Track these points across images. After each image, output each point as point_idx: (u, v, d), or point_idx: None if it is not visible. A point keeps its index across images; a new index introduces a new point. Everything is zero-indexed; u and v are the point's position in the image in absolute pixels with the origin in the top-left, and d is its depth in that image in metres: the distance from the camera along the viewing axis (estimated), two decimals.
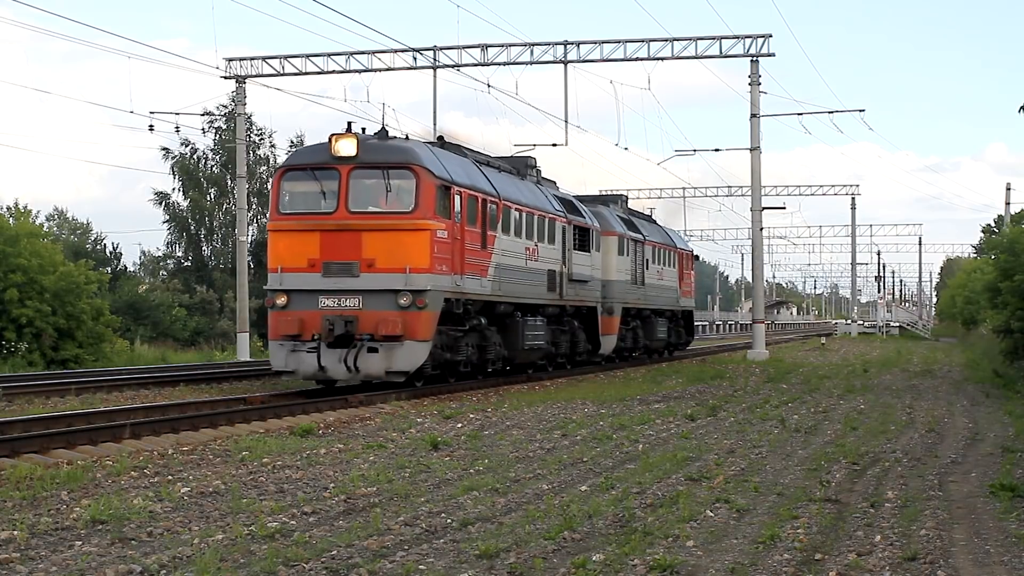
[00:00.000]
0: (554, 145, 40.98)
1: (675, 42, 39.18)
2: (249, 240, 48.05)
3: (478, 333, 23.73)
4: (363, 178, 21.18)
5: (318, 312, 20.49)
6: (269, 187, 37.83)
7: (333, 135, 21.21)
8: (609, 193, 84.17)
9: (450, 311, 21.73)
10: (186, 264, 61.94)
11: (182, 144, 59.01)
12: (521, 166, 28.90)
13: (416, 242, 20.75)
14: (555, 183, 31.73)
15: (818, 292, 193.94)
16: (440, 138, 25.60)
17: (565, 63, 39.29)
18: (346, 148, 21.00)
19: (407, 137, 23.20)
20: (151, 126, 37.65)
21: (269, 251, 21.68)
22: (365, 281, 20.54)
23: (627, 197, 40.64)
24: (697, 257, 47.20)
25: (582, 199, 33.97)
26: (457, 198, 22.03)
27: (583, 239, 30.08)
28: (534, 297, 26.34)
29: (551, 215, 27.86)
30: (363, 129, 22.18)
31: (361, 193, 21.18)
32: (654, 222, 42.62)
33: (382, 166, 21.07)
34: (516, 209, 25.33)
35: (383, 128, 22.40)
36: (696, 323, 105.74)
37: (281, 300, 20.88)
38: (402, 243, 20.73)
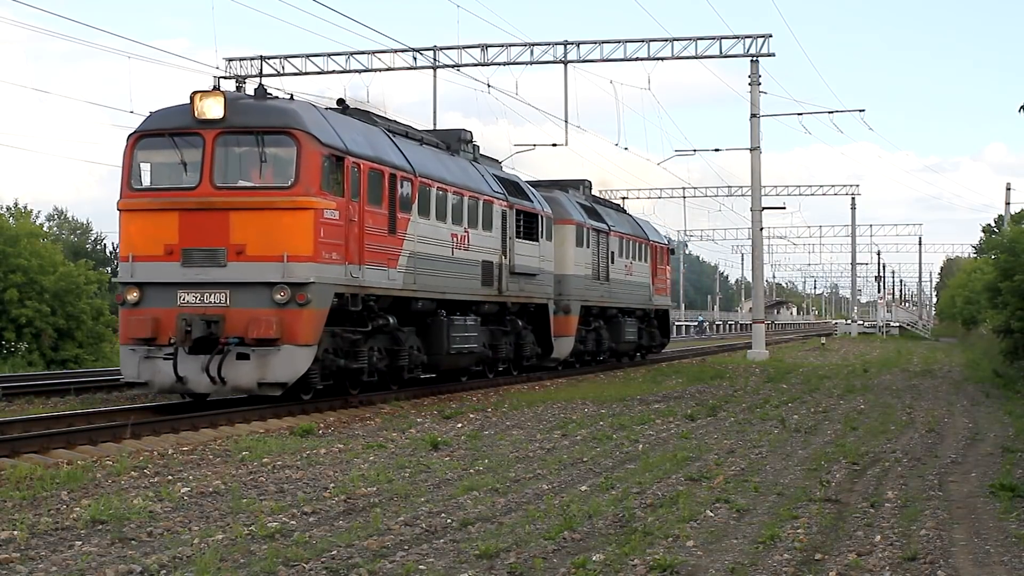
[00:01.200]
0: (554, 145, 41.04)
1: (675, 42, 39.23)
2: None
3: (387, 335, 20.14)
4: (232, 145, 17.61)
5: (175, 310, 17.07)
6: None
7: (196, 92, 17.61)
8: (605, 193, 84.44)
9: (344, 309, 18.26)
10: None
11: None
12: (452, 140, 24.86)
13: (296, 224, 17.18)
14: (498, 162, 27.88)
15: (818, 292, 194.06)
16: (341, 101, 21.35)
17: (565, 63, 39.33)
18: (211, 109, 17.39)
19: (292, 97, 18.99)
20: None
21: (120, 236, 18.18)
22: (233, 272, 17.10)
23: (590, 183, 35.17)
24: (672, 251, 43.24)
25: (537, 184, 31.26)
26: (354, 171, 18.38)
27: (530, 226, 26.57)
28: (463, 292, 22.73)
29: (487, 197, 24.14)
30: (239, 86, 18.79)
31: (229, 164, 17.63)
32: (623, 211, 38.90)
33: (256, 130, 17.40)
34: (439, 188, 21.64)
35: (260, 85, 18.61)
36: (685, 323, 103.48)
37: (132, 296, 17.41)
38: (279, 225, 17.18)
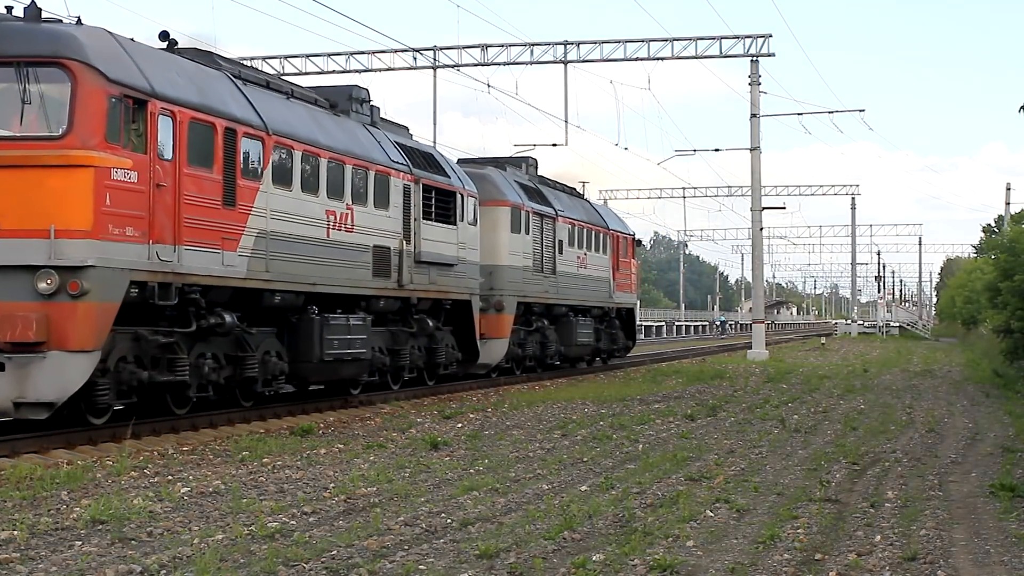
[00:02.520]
0: (554, 145, 41.11)
1: (675, 42, 39.27)
2: None
3: (226, 339, 15.94)
4: None
5: None
6: None
7: None
8: (605, 193, 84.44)
9: (148, 303, 14.22)
10: None
11: None
12: (341, 98, 20.21)
13: (69, 187, 13.07)
14: (405, 129, 23.25)
15: (818, 292, 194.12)
16: (165, 35, 16.05)
17: (565, 63, 39.36)
18: None
19: (79, 21, 14.37)
20: None
21: None
22: None
23: (536, 161, 30.33)
24: (639, 242, 38.15)
25: (469, 161, 28.11)
26: (165, 121, 14.28)
27: (445, 207, 22.25)
28: (345, 284, 18.50)
29: (382, 168, 19.75)
30: (8, 7, 14.35)
31: None
32: (579, 196, 34.06)
33: (16, 60, 13.17)
34: (308, 152, 17.45)
35: (33, 3, 13.94)
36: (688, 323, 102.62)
37: None
38: (44, 188, 13.04)
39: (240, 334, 16.15)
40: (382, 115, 21.83)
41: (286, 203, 16.85)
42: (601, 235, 32.97)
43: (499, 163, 28.15)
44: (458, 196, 22.95)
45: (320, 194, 17.84)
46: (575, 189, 33.84)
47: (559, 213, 29.19)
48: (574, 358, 31.83)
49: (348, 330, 18.44)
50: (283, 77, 20.39)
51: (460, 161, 27.24)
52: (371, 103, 21.34)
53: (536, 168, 30.16)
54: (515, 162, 29.35)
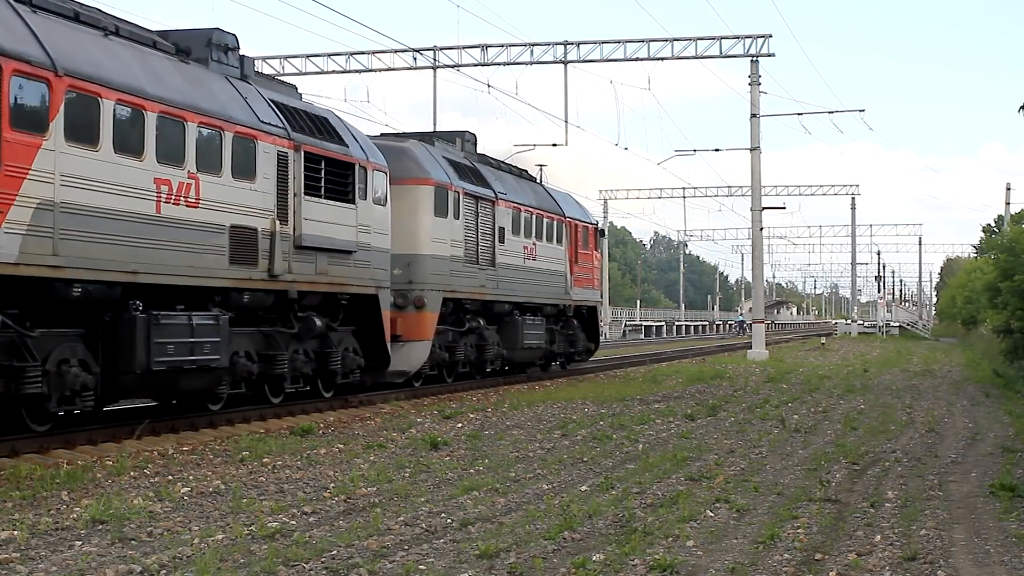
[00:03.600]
0: (554, 145, 41.15)
1: (675, 42, 39.28)
2: None
3: None
4: None
5: None
6: None
7: None
8: (605, 193, 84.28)
9: None
10: None
11: None
12: (197, 44, 16.70)
13: None
14: (292, 88, 19.78)
15: (818, 292, 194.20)
16: None
17: (565, 63, 39.37)
18: None
19: None
20: None
21: None
22: None
23: (474, 137, 26.62)
24: (602, 232, 34.35)
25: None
26: None
27: (339, 181, 18.63)
28: (185, 273, 14.94)
29: (244, 129, 16.22)
30: None
31: None
32: (530, 179, 29.97)
33: None
34: (123, 101, 13.85)
35: None
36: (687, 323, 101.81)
37: None
38: None
39: (15, 339, 12.55)
40: (248, 62, 17.87)
41: (89, 167, 13.26)
42: (555, 223, 29.01)
43: (426, 137, 24.20)
44: (358, 169, 19.01)
45: (146, 157, 14.18)
46: (526, 171, 29.88)
47: (500, 196, 25.24)
48: (521, 363, 27.61)
49: (190, 331, 14.81)
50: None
51: (382, 136, 24.44)
52: (240, 52, 17.60)
53: (475, 144, 26.37)
54: (447, 136, 25.43)
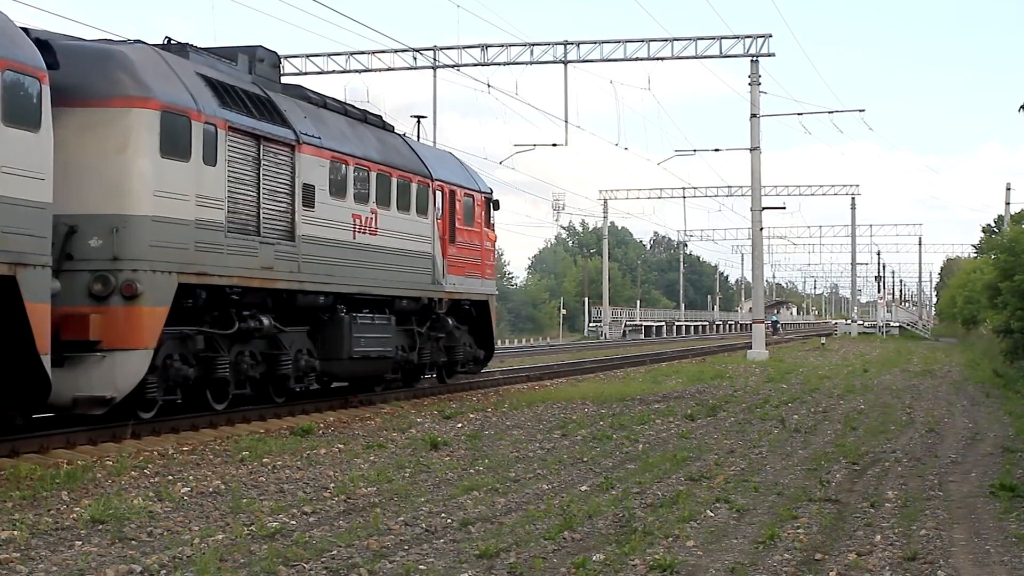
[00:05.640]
0: (554, 145, 41.17)
1: (675, 42, 39.32)
2: None
3: None
4: None
5: None
6: None
7: None
8: (605, 193, 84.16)
9: None
10: None
11: None
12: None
13: None
14: None
15: (818, 292, 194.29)
16: None
17: (565, 63, 39.40)
18: None
19: None
20: None
21: None
22: None
23: (278, 58, 19.10)
24: (496, 205, 25.19)
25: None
26: None
27: None
28: None
29: None
30: None
31: None
32: (382, 127, 21.87)
33: None
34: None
35: None
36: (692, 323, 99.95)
37: None
38: None
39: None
40: None
41: None
42: (414, 186, 21.22)
43: (179, 49, 16.41)
44: None
45: None
46: (371, 114, 21.98)
47: (307, 139, 17.76)
48: (356, 378, 20.40)
49: None
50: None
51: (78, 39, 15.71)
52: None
53: (276, 68, 18.84)
54: (224, 52, 17.79)
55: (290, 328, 17.70)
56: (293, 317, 17.83)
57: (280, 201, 17.21)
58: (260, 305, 16.98)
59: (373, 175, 19.79)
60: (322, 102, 19.66)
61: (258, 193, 16.66)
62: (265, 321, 16.93)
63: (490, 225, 25.02)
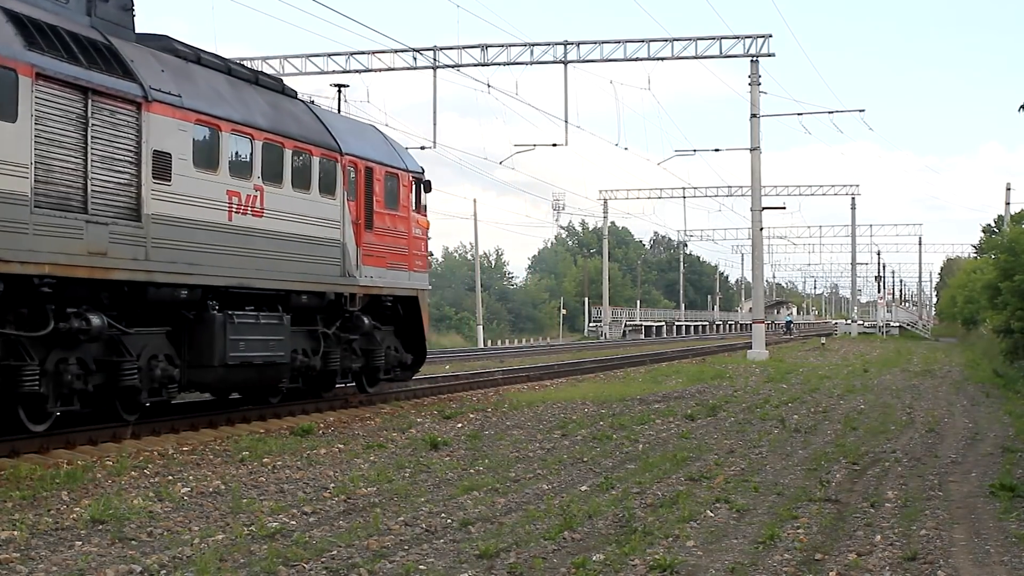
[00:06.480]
0: (554, 145, 41.15)
1: (675, 42, 39.30)
2: None
3: None
4: None
5: None
6: None
7: None
8: (605, 193, 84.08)
9: None
10: None
11: None
12: None
13: None
14: None
15: (818, 292, 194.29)
16: None
17: (565, 63, 39.38)
18: None
19: None
20: None
21: None
22: None
23: (133, 1, 15.51)
24: (428, 186, 21.96)
25: None
26: None
27: None
28: None
29: None
30: None
31: None
32: (279, 91, 18.51)
33: None
34: None
35: None
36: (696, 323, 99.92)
37: None
38: None
39: None
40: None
41: None
42: (318, 160, 18.10)
43: None
44: None
45: None
46: (266, 75, 18.72)
47: (156, 95, 14.49)
48: (231, 387, 17.19)
49: None
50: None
51: None
52: None
53: (131, 12, 15.49)
54: None
55: (139, 329, 14.58)
56: (145, 316, 14.77)
57: (119, 171, 13.97)
58: (92, 300, 13.89)
59: (258, 144, 16.58)
60: (195, 57, 16.37)
61: (85, 160, 13.42)
62: (95, 320, 13.64)
63: (421, 209, 21.68)
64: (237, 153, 16.13)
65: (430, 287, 22.78)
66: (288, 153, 17.26)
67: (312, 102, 20.42)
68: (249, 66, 18.09)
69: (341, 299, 18.82)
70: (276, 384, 17.60)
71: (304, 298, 17.74)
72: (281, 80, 19.11)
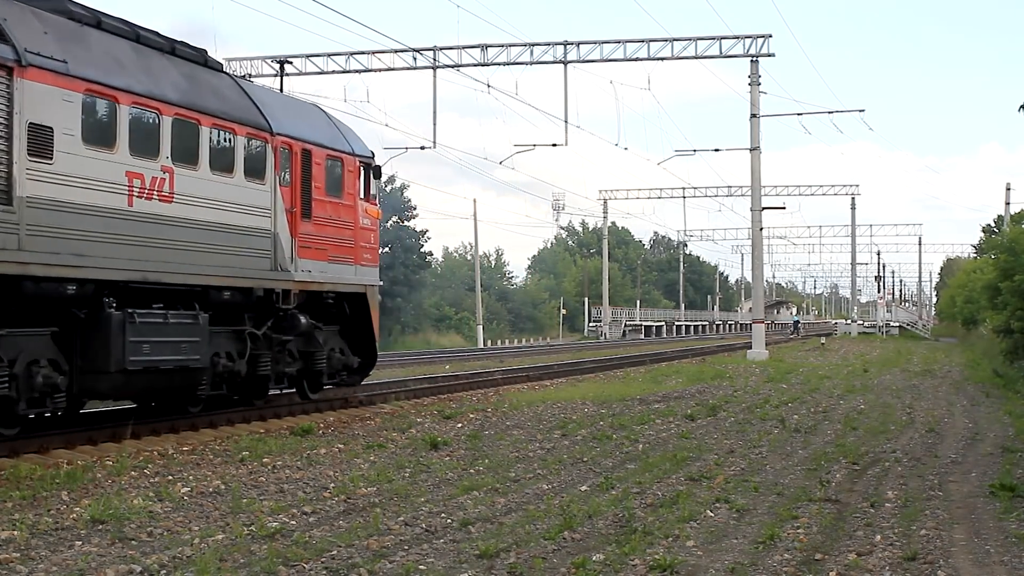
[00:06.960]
0: (554, 145, 41.14)
1: (675, 42, 39.30)
2: None
3: None
4: None
5: None
6: None
7: None
8: (605, 193, 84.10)
9: None
10: None
11: None
12: None
13: None
14: None
15: (818, 292, 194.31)
16: None
17: (565, 63, 39.38)
18: None
19: None
20: None
21: None
22: None
23: None
24: (377, 172, 20.06)
25: None
26: None
27: None
28: None
29: None
30: None
31: None
32: (207, 66, 16.48)
33: None
34: None
35: None
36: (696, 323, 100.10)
37: None
38: None
39: None
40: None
41: None
42: (243, 141, 16.15)
43: None
44: None
45: None
46: (186, 45, 16.16)
47: (32, 59, 12.46)
48: (134, 395, 15.80)
49: None
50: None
51: None
52: None
53: None
54: None
55: (12, 331, 12.64)
56: (22, 315, 12.86)
57: None
58: None
59: (167, 120, 14.46)
60: (94, 20, 14.24)
61: None
62: None
63: (370, 198, 19.65)
64: (140, 130, 13.99)
65: (381, 283, 20.61)
66: (205, 131, 15.18)
67: (245, 77, 17.65)
68: (194, 46, 16.27)
69: (273, 296, 16.81)
70: (193, 392, 15.67)
71: (226, 295, 15.72)
72: (205, 51, 16.65)
